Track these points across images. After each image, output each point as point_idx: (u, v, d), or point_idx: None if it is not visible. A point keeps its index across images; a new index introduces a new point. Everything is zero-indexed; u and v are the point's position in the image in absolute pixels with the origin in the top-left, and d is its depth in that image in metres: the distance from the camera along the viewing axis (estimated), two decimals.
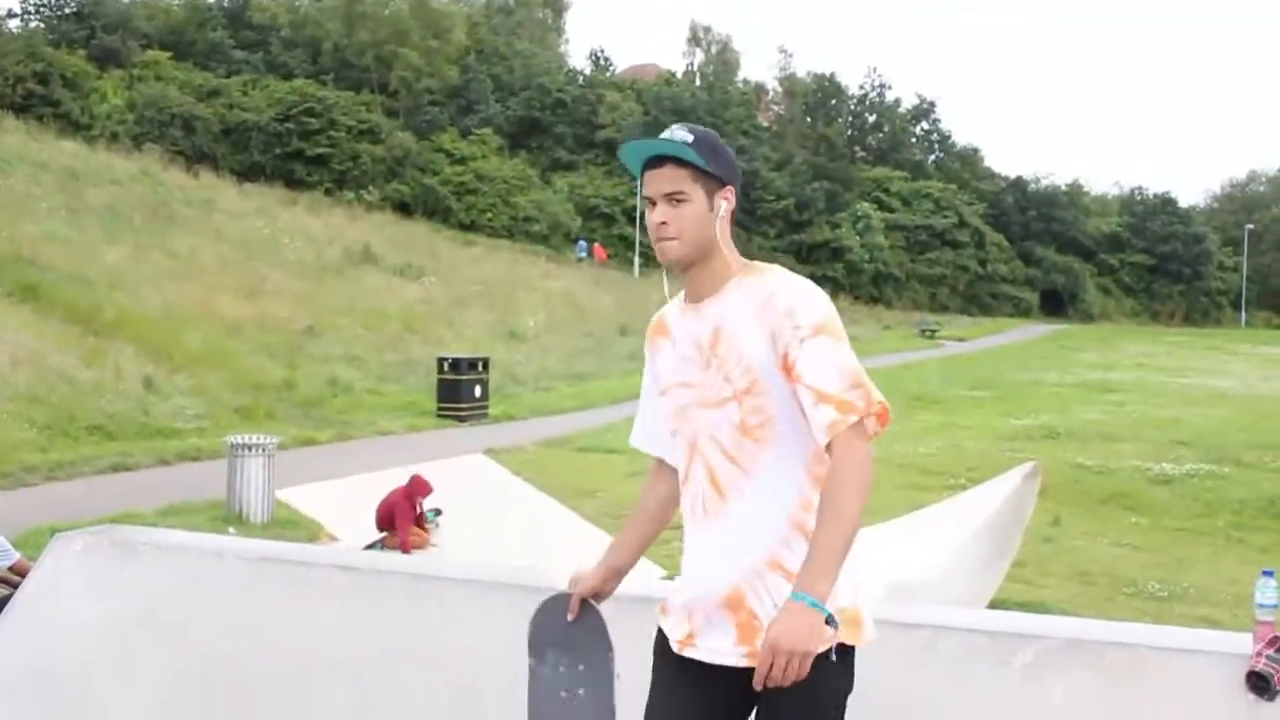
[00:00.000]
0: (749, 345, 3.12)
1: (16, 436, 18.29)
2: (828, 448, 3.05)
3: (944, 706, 4.11)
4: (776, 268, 3.24)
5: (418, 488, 14.93)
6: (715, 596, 3.20)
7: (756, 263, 3.28)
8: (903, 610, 4.73)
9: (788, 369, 3.07)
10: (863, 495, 3.03)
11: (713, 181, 3.21)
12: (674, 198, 3.17)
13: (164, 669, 4.91)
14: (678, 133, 3.21)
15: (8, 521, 13.73)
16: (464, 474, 18.02)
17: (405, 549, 14.24)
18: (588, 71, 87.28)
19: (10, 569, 7.10)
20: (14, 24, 62.79)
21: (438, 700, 4.52)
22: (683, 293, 3.36)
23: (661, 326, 3.42)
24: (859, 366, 3.08)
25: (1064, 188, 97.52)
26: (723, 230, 3.24)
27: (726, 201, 3.24)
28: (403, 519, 14.49)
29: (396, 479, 15.21)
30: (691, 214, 3.18)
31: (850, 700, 3.74)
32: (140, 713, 4.80)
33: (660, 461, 3.55)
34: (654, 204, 3.21)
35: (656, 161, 3.20)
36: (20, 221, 33.32)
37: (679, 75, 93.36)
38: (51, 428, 19.18)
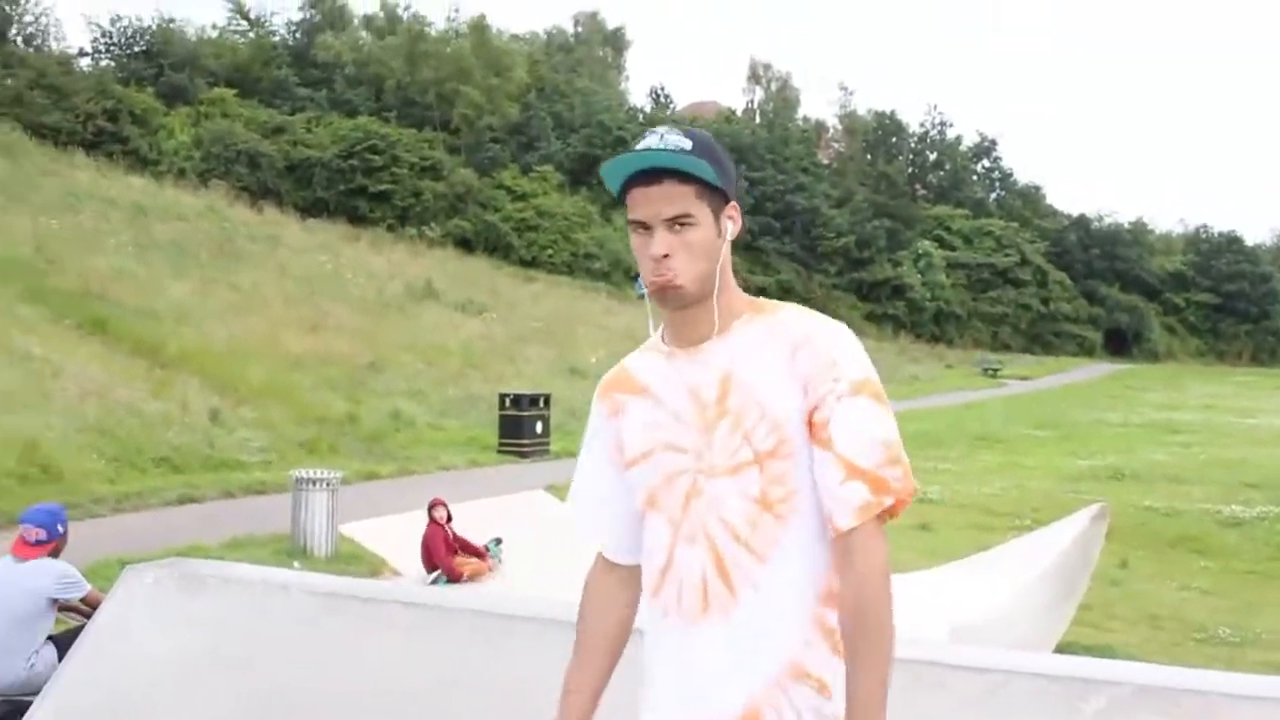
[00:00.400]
0: (776, 397, 2.53)
1: (85, 467, 18.52)
2: (841, 536, 2.52)
3: None
4: (792, 305, 2.67)
5: (433, 507, 15.01)
6: (725, 717, 2.55)
7: (764, 299, 2.70)
8: (969, 654, 4.69)
9: (812, 429, 2.52)
10: (892, 610, 2.50)
11: (718, 197, 2.57)
12: (678, 222, 2.51)
13: (230, 701, 4.94)
14: (671, 138, 2.55)
15: (78, 552, 13.90)
16: (525, 510, 18.04)
17: (456, 577, 14.30)
18: (648, 109, 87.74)
19: (82, 600, 7.19)
20: (85, 62, 63.85)
21: None
22: (659, 335, 2.71)
23: (626, 380, 2.73)
24: (899, 440, 2.61)
25: (1128, 225, 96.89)
26: (727, 257, 2.64)
27: (733, 221, 2.61)
28: (436, 547, 14.56)
29: (458, 514, 15.26)
30: (700, 240, 2.54)
31: None
32: None
33: (611, 564, 2.84)
34: (647, 229, 2.54)
35: (650, 177, 2.51)
36: (90, 256, 33.86)
37: (739, 113, 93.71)
38: (119, 459, 19.39)
